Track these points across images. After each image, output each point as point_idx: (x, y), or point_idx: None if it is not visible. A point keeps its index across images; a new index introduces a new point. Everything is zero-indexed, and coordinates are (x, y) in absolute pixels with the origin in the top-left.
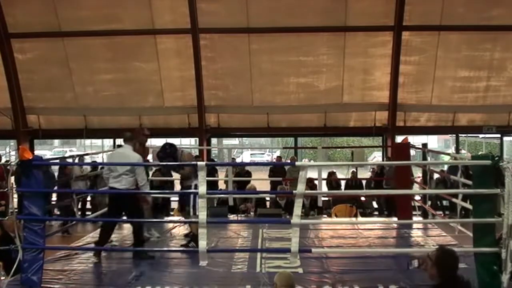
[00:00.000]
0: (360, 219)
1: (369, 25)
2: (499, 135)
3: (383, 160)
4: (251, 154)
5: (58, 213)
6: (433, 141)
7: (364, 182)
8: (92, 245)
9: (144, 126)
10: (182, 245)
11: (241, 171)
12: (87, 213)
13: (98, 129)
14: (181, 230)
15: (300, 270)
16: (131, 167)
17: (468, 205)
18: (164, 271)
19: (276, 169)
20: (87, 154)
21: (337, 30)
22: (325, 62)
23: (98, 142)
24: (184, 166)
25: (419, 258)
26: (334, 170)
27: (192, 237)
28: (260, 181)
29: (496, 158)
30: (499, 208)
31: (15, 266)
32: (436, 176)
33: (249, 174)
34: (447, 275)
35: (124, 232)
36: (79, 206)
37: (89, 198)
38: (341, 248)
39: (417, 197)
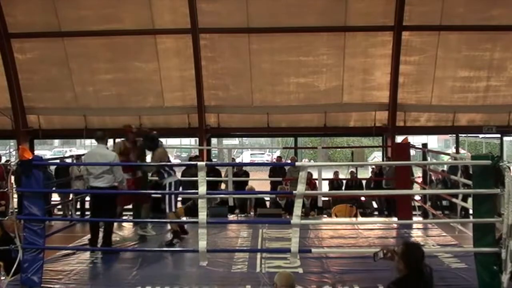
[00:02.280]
0: (360, 219)
1: (369, 25)
2: (499, 135)
3: (383, 160)
4: (251, 154)
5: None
6: (433, 141)
7: (364, 182)
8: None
9: (132, 124)
10: (166, 244)
11: (239, 171)
12: (86, 213)
13: (98, 129)
14: None
15: (300, 270)
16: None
17: (468, 205)
18: (164, 271)
19: (276, 169)
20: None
21: (337, 30)
22: (325, 62)
23: None
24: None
25: (382, 248)
26: (337, 170)
27: (173, 233)
28: (260, 181)
29: (496, 158)
30: (499, 208)
31: (15, 266)
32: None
33: (246, 174)
34: (413, 267)
35: (125, 232)
36: (78, 206)
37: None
38: (341, 248)
39: (417, 197)
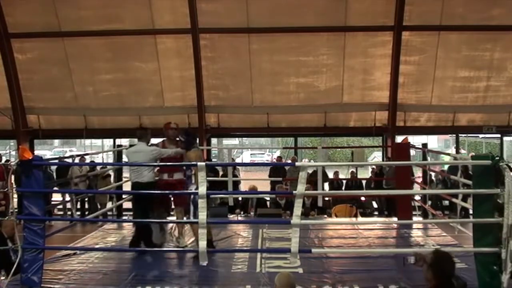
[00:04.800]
0: (360, 219)
1: (369, 25)
2: (499, 135)
3: (383, 160)
4: (251, 154)
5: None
6: (433, 141)
7: (364, 182)
8: (96, 246)
9: (172, 122)
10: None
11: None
12: (86, 213)
13: (98, 129)
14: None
15: (300, 270)
16: (149, 161)
17: (468, 205)
18: (164, 271)
19: (276, 169)
20: (87, 154)
21: (337, 30)
22: (325, 62)
23: (98, 142)
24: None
25: (416, 254)
26: (337, 170)
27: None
28: (260, 181)
29: (496, 158)
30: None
31: (15, 266)
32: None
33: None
34: (441, 279)
35: (124, 232)
36: (78, 206)
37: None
38: (341, 248)
39: (417, 197)
